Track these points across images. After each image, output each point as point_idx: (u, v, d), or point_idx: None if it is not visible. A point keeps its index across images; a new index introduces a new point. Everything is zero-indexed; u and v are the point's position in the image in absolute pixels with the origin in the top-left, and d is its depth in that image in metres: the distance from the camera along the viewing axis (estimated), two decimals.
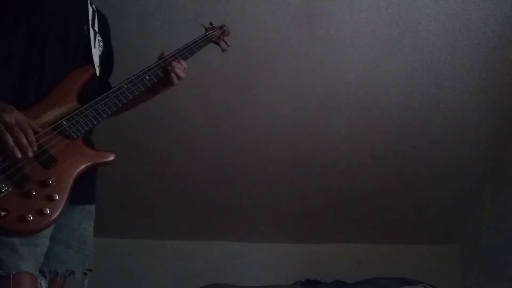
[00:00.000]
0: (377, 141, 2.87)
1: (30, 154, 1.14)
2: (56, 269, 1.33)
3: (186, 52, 1.57)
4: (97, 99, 1.33)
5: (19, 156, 1.12)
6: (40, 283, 1.27)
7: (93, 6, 1.49)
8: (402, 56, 2.54)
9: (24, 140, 1.13)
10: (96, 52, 1.44)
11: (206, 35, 1.70)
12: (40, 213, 1.13)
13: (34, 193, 1.13)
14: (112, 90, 1.37)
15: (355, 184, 3.05)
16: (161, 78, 1.48)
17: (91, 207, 1.46)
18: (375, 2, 2.33)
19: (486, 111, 2.80)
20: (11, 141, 1.12)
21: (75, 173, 1.23)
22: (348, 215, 3.21)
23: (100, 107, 1.32)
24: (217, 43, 1.78)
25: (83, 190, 1.36)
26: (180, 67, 1.50)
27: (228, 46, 1.80)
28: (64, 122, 1.25)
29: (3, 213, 1.08)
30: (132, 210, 3.02)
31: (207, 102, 2.62)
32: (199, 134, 2.74)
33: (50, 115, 1.24)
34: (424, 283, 2.71)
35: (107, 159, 1.32)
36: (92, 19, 1.46)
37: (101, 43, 1.49)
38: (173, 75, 1.49)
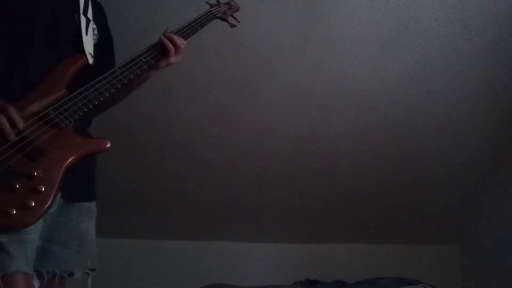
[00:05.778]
0: (377, 141, 2.86)
1: (21, 126, 1.10)
2: (54, 270, 1.30)
3: (188, 30, 1.49)
4: (87, 85, 1.25)
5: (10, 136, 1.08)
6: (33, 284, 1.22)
7: None
8: (402, 56, 2.54)
9: (4, 120, 1.08)
10: (89, 40, 1.39)
11: (210, 11, 1.61)
12: (24, 206, 1.05)
13: (17, 186, 1.06)
14: (104, 75, 1.29)
15: (355, 184, 3.05)
16: (160, 58, 1.40)
17: (91, 205, 1.41)
18: (374, 2, 2.33)
19: (485, 111, 2.79)
20: None
21: (65, 163, 1.16)
22: (348, 215, 3.21)
23: (90, 93, 1.24)
24: (224, 19, 1.69)
25: (81, 187, 1.33)
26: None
27: (238, 21, 1.70)
28: (51, 111, 1.18)
29: None
30: (132, 210, 3.02)
31: (207, 102, 2.61)
32: (199, 134, 2.74)
33: (35, 106, 1.18)
34: (424, 283, 2.71)
35: (101, 147, 1.24)
36: (84, 7, 1.41)
37: (95, 31, 1.44)
38: (169, 45, 1.39)
